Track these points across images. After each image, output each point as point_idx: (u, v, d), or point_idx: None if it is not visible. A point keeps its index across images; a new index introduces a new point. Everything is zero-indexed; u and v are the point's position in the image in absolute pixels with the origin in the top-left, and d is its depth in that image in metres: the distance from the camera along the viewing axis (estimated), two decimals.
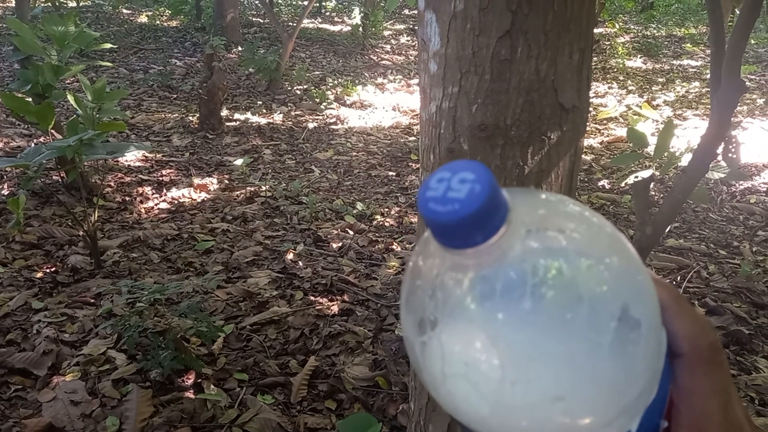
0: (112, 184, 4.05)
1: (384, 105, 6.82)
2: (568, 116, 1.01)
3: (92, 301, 2.58)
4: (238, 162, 4.56)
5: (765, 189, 4.53)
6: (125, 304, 2.42)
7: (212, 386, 2.07)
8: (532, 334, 0.28)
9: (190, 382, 2.08)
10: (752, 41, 10.48)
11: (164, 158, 4.70)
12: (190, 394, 2.02)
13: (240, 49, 8.23)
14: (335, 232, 3.51)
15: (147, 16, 10.48)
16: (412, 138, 5.73)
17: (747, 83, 1.67)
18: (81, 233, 2.82)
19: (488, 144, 1.01)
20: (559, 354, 0.28)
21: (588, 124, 6.05)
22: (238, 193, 4.05)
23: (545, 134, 1.01)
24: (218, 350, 2.30)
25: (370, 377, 2.21)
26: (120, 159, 4.50)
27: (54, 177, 3.95)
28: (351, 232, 3.53)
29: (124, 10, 10.85)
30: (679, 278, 3.26)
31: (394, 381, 2.19)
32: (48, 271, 2.83)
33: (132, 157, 4.59)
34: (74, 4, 10.36)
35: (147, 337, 2.17)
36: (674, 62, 9.61)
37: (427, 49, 1.05)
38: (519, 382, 0.28)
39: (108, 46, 4.16)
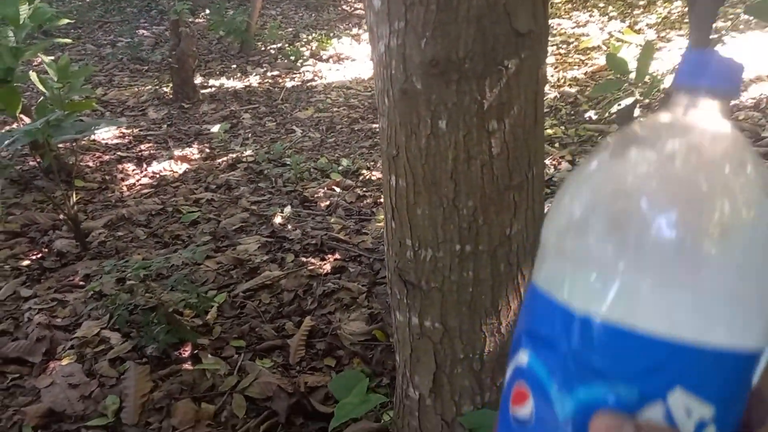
0: (90, 164, 3.97)
1: (361, 56, 6.66)
2: (525, 42, 0.96)
3: (81, 283, 2.55)
4: (216, 129, 4.47)
5: (752, 104, 4.48)
6: (114, 283, 2.40)
7: (210, 356, 2.07)
8: None
9: (187, 354, 2.08)
10: None
11: (141, 133, 4.60)
12: (188, 366, 2.02)
13: (207, 12, 7.97)
14: (322, 191, 3.47)
15: None
16: None
17: None
18: (62, 217, 2.77)
19: (442, 81, 0.96)
20: None
21: (570, 54, 5.90)
22: (219, 161, 3.98)
23: (502, 64, 0.95)
24: (213, 320, 2.28)
25: (367, 331, 2.21)
26: (97, 138, 4.41)
27: (31, 163, 3.87)
28: (338, 190, 3.49)
29: None
30: None
31: (391, 333, 2.18)
32: (34, 258, 2.79)
33: (108, 134, 4.49)
34: None
35: (138, 314, 2.16)
36: None
37: None
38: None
39: (66, 21, 3.98)
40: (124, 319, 1.98)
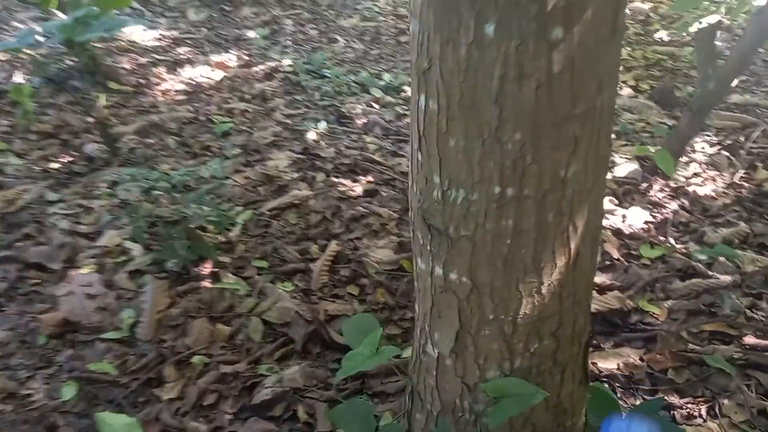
0: (127, 66, 3.85)
1: None
2: None
3: (108, 190, 2.50)
4: (255, 34, 4.25)
5: None
6: (140, 193, 2.33)
7: (230, 275, 2.00)
8: None
9: (207, 271, 2.01)
10: None
11: (180, 35, 4.42)
12: (207, 284, 1.96)
13: None
14: (360, 107, 3.27)
15: None
16: None
17: None
18: (91, 121, 2.69)
19: None
20: None
21: None
22: (257, 69, 3.80)
23: None
24: (237, 237, 2.20)
25: (395, 260, 2.09)
26: (135, 39, 4.27)
27: (68, 62, 3.78)
28: (377, 107, 3.28)
29: None
30: (743, 138, 2.93)
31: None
32: (64, 161, 2.74)
33: (147, 36, 4.34)
34: None
35: (160, 227, 2.09)
36: None
37: None
38: None
39: None
40: (143, 230, 1.91)
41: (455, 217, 0.97)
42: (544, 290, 1.00)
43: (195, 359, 1.68)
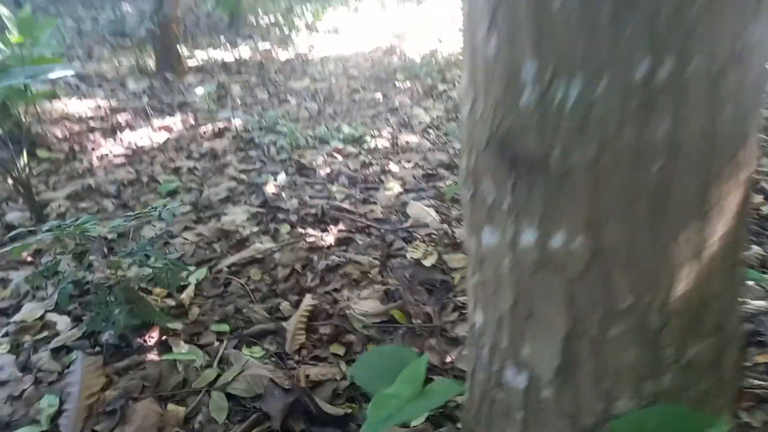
0: (59, 134, 3.50)
1: (359, 27, 6.20)
2: None
3: (30, 259, 2.09)
4: (200, 91, 4.00)
5: None
6: (71, 259, 1.94)
7: (182, 344, 1.62)
8: None
9: (153, 341, 1.62)
10: None
11: (118, 105, 4.12)
12: (154, 357, 1.56)
13: None
14: (321, 158, 3.01)
15: None
16: (396, 58, 5.16)
17: None
18: (10, 181, 2.30)
19: None
20: None
21: None
22: (204, 129, 3.52)
23: None
24: (189, 300, 1.83)
25: (383, 311, 1.76)
26: (69, 109, 3.94)
27: None
28: (339, 157, 3.03)
29: None
30: None
31: (414, 312, 1.74)
32: None
33: (81, 107, 4.02)
34: None
35: (92, 294, 1.70)
36: None
37: None
38: None
39: None
40: (68, 294, 1.52)
41: (564, 133, 0.60)
42: (708, 252, 0.64)
43: None
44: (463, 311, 1.74)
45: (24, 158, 2.35)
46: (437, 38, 5.55)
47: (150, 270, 1.72)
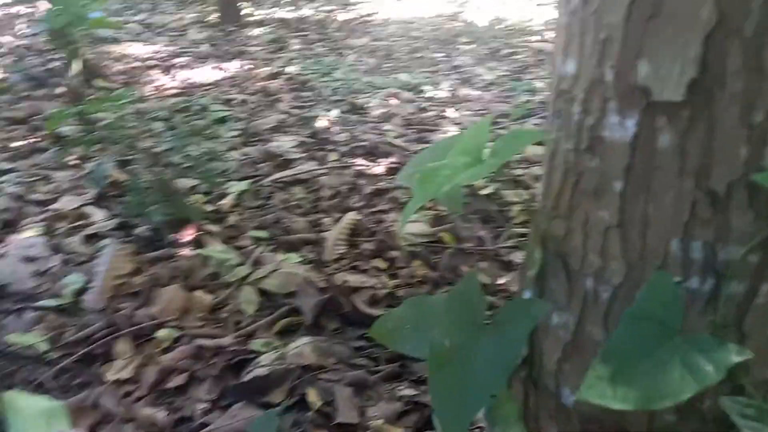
0: (118, 67, 3.51)
1: None
2: None
3: (75, 162, 2.06)
4: (259, 41, 3.94)
5: None
6: (115, 166, 1.89)
7: (217, 244, 1.52)
8: None
9: (187, 238, 1.54)
10: None
11: (179, 50, 4.12)
12: (186, 251, 1.48)
13: None
14: (376, 101, 2.89)
15: None
16: (459, 23, 4.98)
17: None
18: (62, 88, 2.28)
19: None
20: None
21: None
22: (259, 71, 3.45)
23: None
24: (229, 208, 1.74)
25: (432, 233, 1.63)
26: (130, 50, 3.96)
27: (56, 64, 3.43)
28: (395, 101, 2.90)
29: None
30: None
31: (466, 236, 1.59)
32: (30, 141, 2.32)
33: (144, 49, 4.04)
34: None
35: (131, 195, 1.63)
36: None
37: None
38: None
39: None
40: (103, 174, 1.45)
41: None
42: None
43: (160, 333, 1.18)
44: (521, 239, 1.59)
45: (79, 63, 2.32)
46: (502, 4, 5.34)
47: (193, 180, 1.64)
